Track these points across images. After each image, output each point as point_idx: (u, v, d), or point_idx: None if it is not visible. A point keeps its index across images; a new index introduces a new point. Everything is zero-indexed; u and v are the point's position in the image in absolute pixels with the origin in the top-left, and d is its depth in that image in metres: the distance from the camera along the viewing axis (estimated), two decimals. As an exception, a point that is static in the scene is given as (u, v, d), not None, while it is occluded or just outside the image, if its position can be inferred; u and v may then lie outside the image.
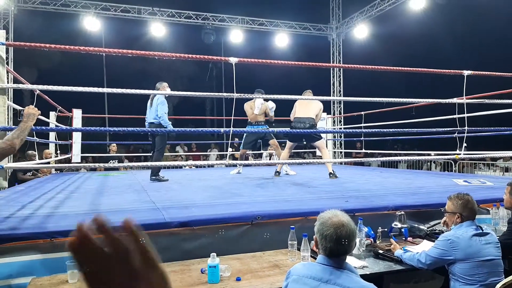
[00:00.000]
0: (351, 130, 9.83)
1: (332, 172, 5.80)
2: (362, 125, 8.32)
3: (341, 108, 12.99)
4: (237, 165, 7.19)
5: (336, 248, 1.71)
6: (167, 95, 5.81)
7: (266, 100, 6.46)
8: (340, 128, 11.77)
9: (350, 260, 2.54)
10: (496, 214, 3.41)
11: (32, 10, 10.83)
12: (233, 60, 3.70)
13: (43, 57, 18.66)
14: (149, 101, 5.77)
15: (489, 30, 19.31)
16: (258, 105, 6.34)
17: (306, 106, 5.86)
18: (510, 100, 4.98)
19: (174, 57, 3.87)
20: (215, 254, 2.26)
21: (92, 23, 10.85)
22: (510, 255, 2.77)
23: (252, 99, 6.39)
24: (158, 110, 5.58)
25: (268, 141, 6.68)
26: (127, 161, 11.10)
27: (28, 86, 4.36)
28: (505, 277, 2.31)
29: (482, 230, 2.47)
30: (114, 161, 9.11)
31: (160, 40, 12.07)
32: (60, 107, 7.29)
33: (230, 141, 5.31)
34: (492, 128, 5.66)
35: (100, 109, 18.13)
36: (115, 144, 9.91)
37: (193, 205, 3.36)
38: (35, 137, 5.16)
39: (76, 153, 7.65)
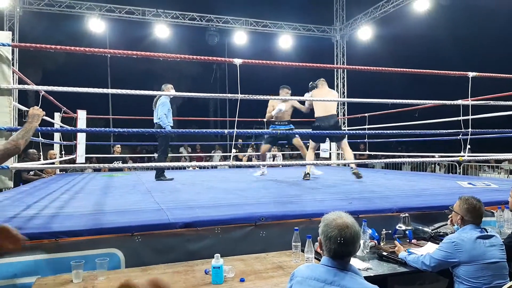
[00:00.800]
0: (355, 132, 9.80)
1: (356, 172, 5.64)
2: (366, 126, 8.31)
3: (345, 110, 12.99)
4: (260, 166, 6.91)
5: (340, 250, 1.71)
6: (171, 97, 5.92)
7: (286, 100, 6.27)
8: (344, 130, 11.75)
9: (354, 262, 2.53)
10: (500, 217, 3.39)
11: (37, 12, 10.91)
12: (237, 61, 3.70)
13: (48, 58, 18.80)
14: (153, 103, 5.95)
15: (492, 32, 19.25)
16: (277, 110, 6.08)
17: (326, 103, 5.68)
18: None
19: (178, 59, 3.87)
20: (219, 255, 2.27)
21: (96, 25, 10.91)
22: (515, 258, 2.75)
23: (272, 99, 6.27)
24: (158, 111, 5.76)
25: (292, 140, 6.55)
26: (131, 162, 11.14)
27: (34, 87, 4.39)
28: (510, 280, 2.30)
29: (487, 232, 2.46)
30: (118, 162, 9.14)
31: (164, 41, 12.12)
32: (65, 108, 7.32)
33: (234, 142, 5.29)
34: (496, 130, 5.63)
35: (104, 110, 18.24)
36: (119, 146, 9.94)
37: (197, 206, 3.36)
38: (40, 138, 5.19)
39: (80, 154, 7.69)
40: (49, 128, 4.17)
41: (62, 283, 2.22)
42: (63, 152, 7.58)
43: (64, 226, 2.58)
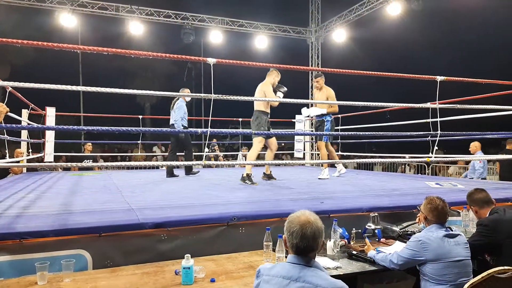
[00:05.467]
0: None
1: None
2: (339, 127, 8.42)
3: (319, 111, 13.11)
4: (336, 165, 6.71)
5: (301, 245, 1.75)
6: (188, 100, 6.50)
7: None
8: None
9: (324, 260, 2.57)
10: (466, 216, 3.50)
11: (5, 5, 10.52)
12: (211, 60, 3.68)
13: (17, 53, 18.19)
14: (172, 105, 6.46)
15: (463, 36, 19.88)
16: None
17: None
18: (483, 105, 5.12)
19: (151, 56, 3.82)
20: (189, 255, 2.25)
21: (68, 20, 10.61)
22: (479, 255, 2.85)
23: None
24: (175, 113, 6.28)
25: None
26: (102, 160, 10.90)
27: (0, 82, 4.22)
28: (474, 277, 2.38)
29: (452, 231, 2.53)
30: (88, 160, 8.92)
31: (139, 38, 11.91)
32: (33, 105, 7.09)
33: (207, 142, 5.27)
34: (464, 132, 5.81)
35: (75, 107, 17.80)
36: (90, 144, 9.70)
37: (168, 206, 3.32)
38: (5, 135, 5.01)
39: (49, 152, 7.47)
40: (14, 125, 4.01)
41: (26, 285, 2.15)
42: (30, 150, 7.34)
43: (29, 226, 2.51)
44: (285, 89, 5.53)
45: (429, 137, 5.15)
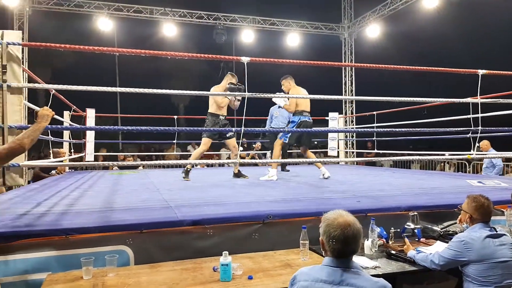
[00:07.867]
0: (363, 130, 9.74)
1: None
2: (375, 125, 8.26)
3: (353, 108, 12.92)
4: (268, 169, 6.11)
5: (344, 249, 1.69)
6: (278, 107, 6.60)
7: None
8: (352, 128, 11.70)
9: (362, 260, 2.54)
10: (510, 216, 3.36)
11: (46, 11, 11.00)
12: (245, 59, 3.71)
13: (57, 57, 18.93)
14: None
15: (501, 28, 19.03)
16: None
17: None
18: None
19: (186, 57, 3.89)
20: (227, 252, 2.28)
21: (105, 24, 10.97)
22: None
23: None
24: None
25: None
26: (139, 160, 11.20)
27: (44, 85, 4.42)
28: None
29: (496, 231, 2.44)
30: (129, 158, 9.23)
31: (172, 40, 12.14)
32: (75, 107, 7.38)
33: (241, 141, 5.32)
34: (506, 128, 5.56)
35: (113, 108, 18.34)
36: (131, 158, 10.06)
37: (204, 204, 3.38)
38: (49, 136, 5.24)
39: (89, 152, 7.75)
40: (58, 126, 4.20)
41: (72, 279, 2.24)
42: (72, 150, 7.64)
43: (74, 223, 2.61)
44: (234, 86, 5.39)
45: (470, 134, 4.97)
